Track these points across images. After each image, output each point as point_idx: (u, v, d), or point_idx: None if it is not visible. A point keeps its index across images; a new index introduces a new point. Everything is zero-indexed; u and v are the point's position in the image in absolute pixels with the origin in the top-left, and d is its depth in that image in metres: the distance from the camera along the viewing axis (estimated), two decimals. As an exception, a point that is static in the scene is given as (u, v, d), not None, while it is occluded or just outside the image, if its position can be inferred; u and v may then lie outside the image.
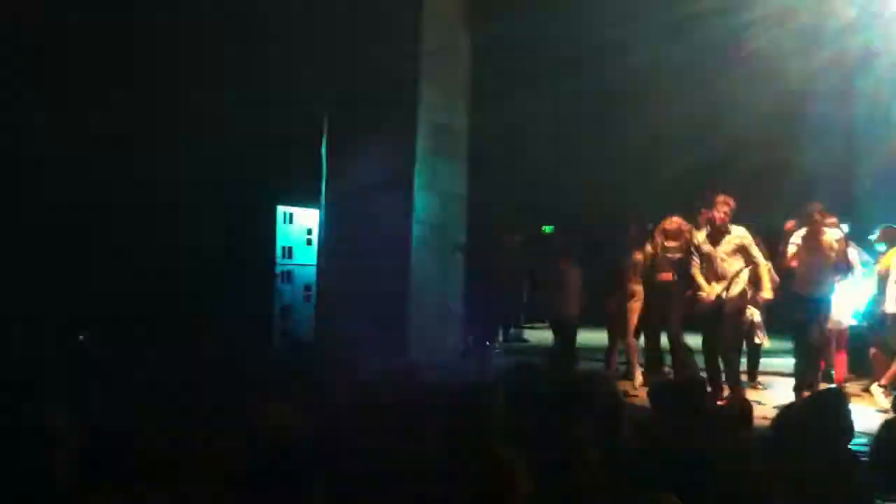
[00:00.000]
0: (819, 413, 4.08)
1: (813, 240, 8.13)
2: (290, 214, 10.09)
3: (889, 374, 8.25)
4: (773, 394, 8.59)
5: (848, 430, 4.02)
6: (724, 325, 8.03)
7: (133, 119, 9.30)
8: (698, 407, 4.51)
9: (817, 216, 8.12)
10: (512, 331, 13.00)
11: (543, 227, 10.26)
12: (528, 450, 3.27)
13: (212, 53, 9.63)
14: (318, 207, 10.21)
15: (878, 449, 3.96)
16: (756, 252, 8.08)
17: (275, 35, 9.87)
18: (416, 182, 10.24)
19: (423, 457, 3.62)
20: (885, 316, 8.45)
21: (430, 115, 10.46)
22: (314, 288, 10.20)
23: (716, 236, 8.09)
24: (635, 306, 8.91)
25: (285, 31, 9.88)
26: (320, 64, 10.28)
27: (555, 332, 9.11)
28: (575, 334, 9.05)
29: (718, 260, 8.06)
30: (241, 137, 9.71)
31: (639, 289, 8.91)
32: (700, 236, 8.22)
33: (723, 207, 8.02)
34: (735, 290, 8.06)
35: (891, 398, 7.40)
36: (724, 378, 7.98)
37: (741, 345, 8.64)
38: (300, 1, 9.93)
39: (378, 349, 9.53)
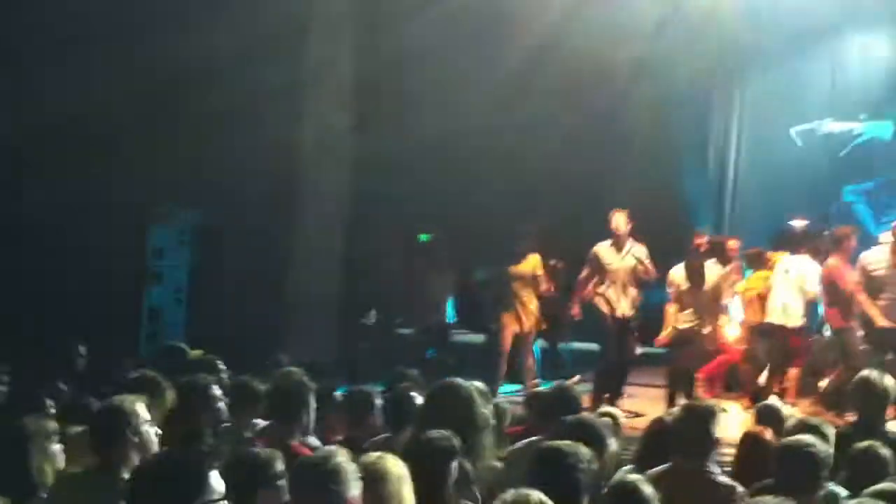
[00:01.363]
0: (686, 426, 4.21)
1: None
2: (165, 214, 9.81)
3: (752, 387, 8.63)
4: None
5: (714, 441, 4.16)
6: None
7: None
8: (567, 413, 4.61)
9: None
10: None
11: (420, 235, 10.26)
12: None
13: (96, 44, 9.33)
14: (194, 208, 9.99)
15: None
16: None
17: (162, 28, 9.63)
18: (299, 186, 10.16)
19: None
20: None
21: (312, 119, 10.38)
22: (186, 290, 9.96)
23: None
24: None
25: (172, 26, 9.65)
26: (201, 60, 10.07)
27: (427, 340, 9.21)
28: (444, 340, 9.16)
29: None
30: (115, 134, 9.41)
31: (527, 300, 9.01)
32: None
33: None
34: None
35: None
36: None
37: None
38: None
39: (253, 353, 9.42)
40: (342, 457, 3.06)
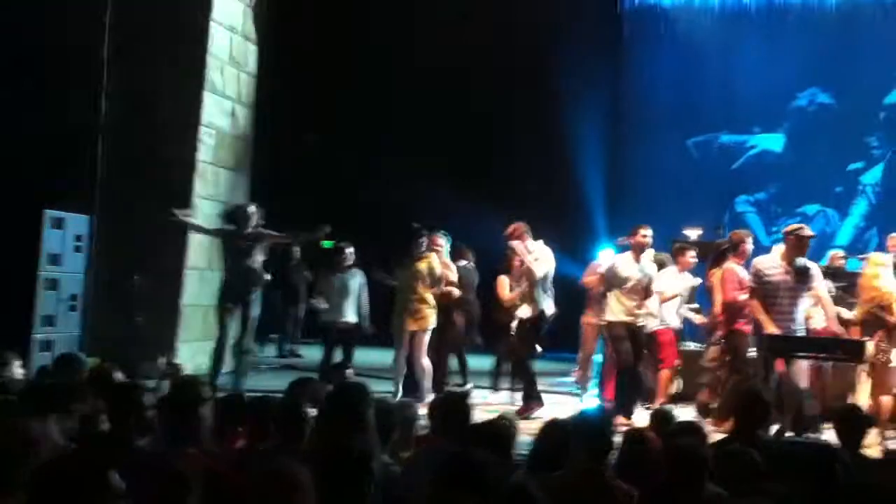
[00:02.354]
0: (581, 428, 4.30)
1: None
2: (59, 219, 9.54)
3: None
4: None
5: (608, 444, 4.26)
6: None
7: None
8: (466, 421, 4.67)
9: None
10: (288, 346, 12.88)
11: (323, 242, 10.20)
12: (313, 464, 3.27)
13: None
14: (91, 214, 9.76)
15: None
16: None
17: (51, 31, 9.40)
18: (197, 191, 10.02)
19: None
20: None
21: (212, 122, 10.26)
22: (82, 297, 9.70)
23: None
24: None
25: (61, 28, 9.43)
26: (97, 64, 9.88)
27: (330, 345, 9.20)
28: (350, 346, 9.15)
29: None
30: (6, 138, 9.14)
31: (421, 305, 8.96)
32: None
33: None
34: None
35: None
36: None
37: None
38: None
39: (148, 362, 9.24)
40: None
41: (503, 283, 8.95)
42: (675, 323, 9.12)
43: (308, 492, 2.99)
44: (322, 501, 3.08)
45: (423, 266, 8.85)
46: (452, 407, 4.83)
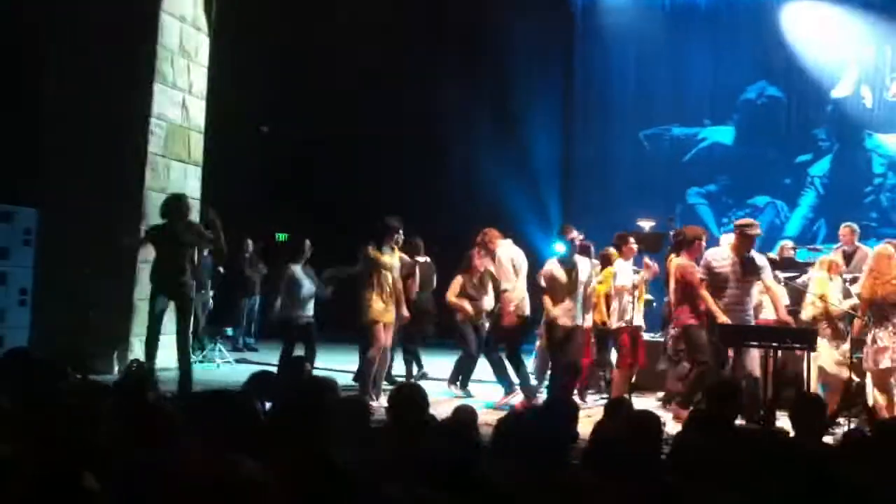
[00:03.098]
0: (544, 420, 4.32)
1: None
2: (7, 213, 9.38)
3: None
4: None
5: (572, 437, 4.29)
6: None
7: None
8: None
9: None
10: (242, 340, 12.81)
11: (277, 235, 10.14)
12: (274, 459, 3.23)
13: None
14: (38, 207, 9.60)
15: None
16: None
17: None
18: (147, 184, 9.90)
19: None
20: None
21: (163, 114, 10.14)
22: (31, 292, 9.54)
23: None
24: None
25: (9, 18, 9.26)
26: (46, 54, 9.72)
27: (291, 341, 9.10)
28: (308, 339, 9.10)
29: None
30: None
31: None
32: None
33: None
34: None
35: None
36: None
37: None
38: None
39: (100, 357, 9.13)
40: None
41: (456, 282, 9.19)
42: (638, 319, 9.12)
43: (268, 491, 2.95)
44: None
45: (396, 260, 8.86)
46: (410, 398, 4.83)
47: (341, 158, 13.33)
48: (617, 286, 8.91)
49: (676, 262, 8.56)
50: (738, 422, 6.55)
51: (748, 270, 7.99)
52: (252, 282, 12.55)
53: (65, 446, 3.72)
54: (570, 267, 8.52)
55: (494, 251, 9.09)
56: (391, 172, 12.78)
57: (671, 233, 9.68)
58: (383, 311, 8.56)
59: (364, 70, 13.43)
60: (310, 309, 9.05)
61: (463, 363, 9.46)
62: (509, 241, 9.20)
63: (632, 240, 9.24)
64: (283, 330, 9.20)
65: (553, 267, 8.60)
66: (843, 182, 14.23)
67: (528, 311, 9.01)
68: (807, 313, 8.23)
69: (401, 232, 8.74)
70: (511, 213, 11.77)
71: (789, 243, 10.64)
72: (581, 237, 9.08)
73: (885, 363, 7.42)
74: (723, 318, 7.79)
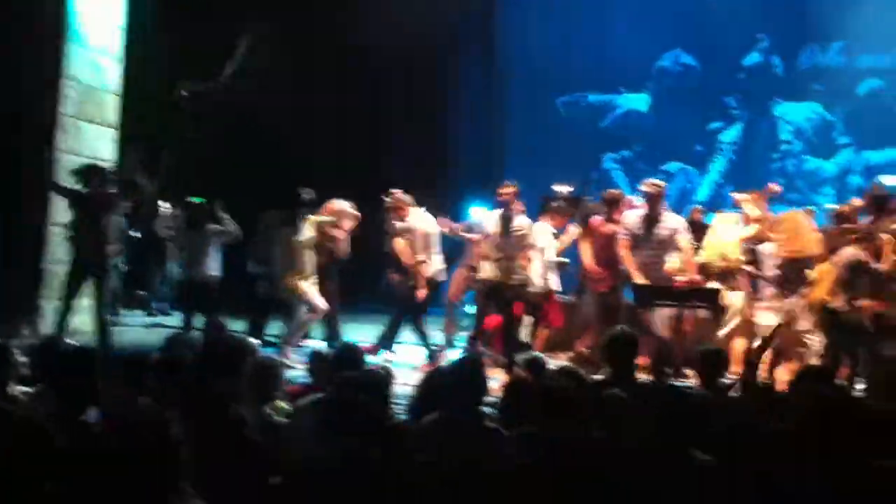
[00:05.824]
0: (458, 377, 4.44)
1: None
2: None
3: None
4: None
5: (483, 391, 4.42)
6: None
7: None
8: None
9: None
10: (155, 304, 12.65)
11: (192, 198, 10.07)
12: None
13: None
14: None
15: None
16: None
17: None
18: (59, 146, 9.69)
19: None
20: None
21: (77, 75, 9.92)
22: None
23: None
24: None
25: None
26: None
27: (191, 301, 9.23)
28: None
29: None
30: None
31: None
32: None
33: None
34: None
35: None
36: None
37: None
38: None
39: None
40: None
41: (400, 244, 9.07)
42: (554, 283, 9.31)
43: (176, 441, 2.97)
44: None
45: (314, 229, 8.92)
46: (341, 358, 4.93)
47: (263, 123, 13.17)
48: (540, 247, 9.04)
49: (596, 225, 8.83)
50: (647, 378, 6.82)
51: (661, 232, 8.27)
52: (165, 246, 12.38)
53: None
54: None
55: (405, 218, 9.04)
56: (312, 141, 12.69)
57: (588, 197, 9.92)
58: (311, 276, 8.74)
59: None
60: (212, 269, 9.19)
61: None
62: (422, 210, 9.22)
63: (562, 208, 9.38)
64: (186, 291, 9.33)
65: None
66: (752, 149, 14.67)
67: (441, 279, 9.13)
68: (702, 257, 8.50)
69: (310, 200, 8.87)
70: (431, 178, 11.80)
71: (699, 208, 10.94)
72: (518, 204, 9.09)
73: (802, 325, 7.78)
74: (639, 279, 8.07)
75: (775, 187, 9.44)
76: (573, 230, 9.30)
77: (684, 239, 8.46)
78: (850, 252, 7.65)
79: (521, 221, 8.70)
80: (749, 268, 8.51)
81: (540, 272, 8.97)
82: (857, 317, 7.55)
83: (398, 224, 9.01)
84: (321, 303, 8.84)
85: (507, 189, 8.70)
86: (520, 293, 8.73)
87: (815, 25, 14.25)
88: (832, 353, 7.76)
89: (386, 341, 9.29)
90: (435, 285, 9.18)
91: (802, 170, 14.55)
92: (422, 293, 8.85)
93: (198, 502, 2.75)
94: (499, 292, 8.65)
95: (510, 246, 8.59)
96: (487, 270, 8.65)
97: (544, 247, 9.02)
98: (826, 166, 14.50)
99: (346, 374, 4.45)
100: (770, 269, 8.39)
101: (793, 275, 7.96)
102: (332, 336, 9.46)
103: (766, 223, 8.54)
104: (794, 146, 14.63)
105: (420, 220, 9.09)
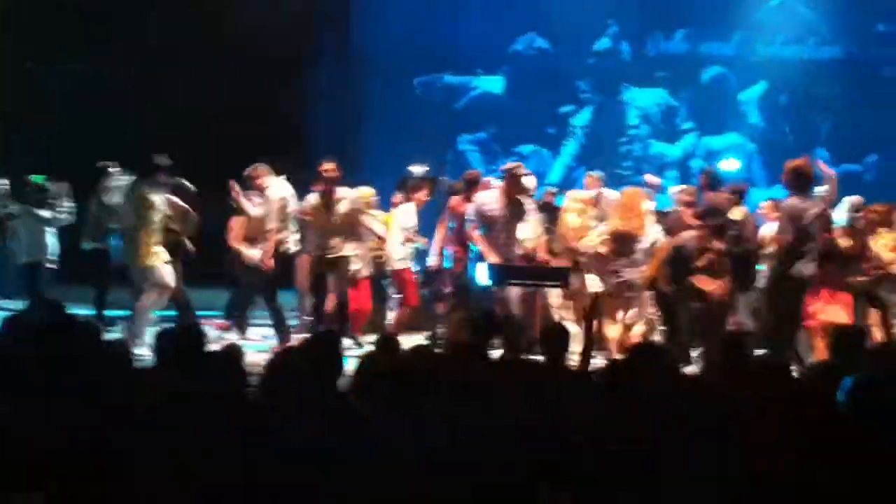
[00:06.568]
0: (311, 354, 4.42)
1: None
2: None
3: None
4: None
5: (339, 370, 4.42)
6: None
7: None
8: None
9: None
10: None
11: (33, 177, 9.67)
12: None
13: None
14: None
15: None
16: None
17: None
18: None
19: None
20: None
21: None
22: None
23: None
24: None
25: None
26: None
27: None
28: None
29: None
30: None
31: None
32: None
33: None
34: None
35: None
36: None
37: None
38: None
39: None
40: None
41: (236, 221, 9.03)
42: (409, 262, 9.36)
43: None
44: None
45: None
46: (184, 339, 4.81)
47: (115, 100, 12.69)
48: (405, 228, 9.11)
49: (451, 206, 8.97)
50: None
51: (515, 213, 8.45)
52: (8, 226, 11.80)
53: None
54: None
55: (263, 188, 8.94)
56: (168, 120, 12.27)
57: (444, 177, 10.04)
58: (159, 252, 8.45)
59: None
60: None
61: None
62: (282, 179, 9.08)
63: (423, 188, 9.44)
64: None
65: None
66: (602, 132, 15.06)
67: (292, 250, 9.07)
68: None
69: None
70: (284, 160, 11.53)
71: (552, 189, 11.21)
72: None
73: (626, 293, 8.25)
74: (493, 258, 8.21)
75: (653, 179, 9.87)
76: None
77: (535, 220, 8.66)
78: (686, 234, 8.12)
79: (344, 200, 8.79)
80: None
81: (398, 252, 9.05)
82: (684, 295, 8.04)
83: (252, 200, 8.88)
84: (171, 281, 8.57)
85: (329, 167, 8.75)
86: (345, 272, 8.86)
87: (660, 13, 14.77)
88: (669, 329, 8.23)
89: (236, 319, 9.18)
90: (287, 259, 9.07)
91: (649, 153, 15.06)
92: (269, 263, 8.71)
93: None
94: (326, 270, 8.83)
95: (335, 225, 8.74)
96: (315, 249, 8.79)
97: (404, 226, 9.10)
98: (671, 150, 15.06)
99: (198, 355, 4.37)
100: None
101: (623, 249, 8.32)
102: (183, 316, 9.23)
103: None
104: (641, 130, 15.13)
105: (279, 189, 8.94)
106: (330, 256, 8.80)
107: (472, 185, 9.07)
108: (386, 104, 14.55)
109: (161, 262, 8.44)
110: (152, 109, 12.46)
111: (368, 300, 9.52)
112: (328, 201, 8.74)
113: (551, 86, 15.03)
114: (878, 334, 8.37)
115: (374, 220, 9.33)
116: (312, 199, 8.88)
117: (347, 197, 8.84)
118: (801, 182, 7.65)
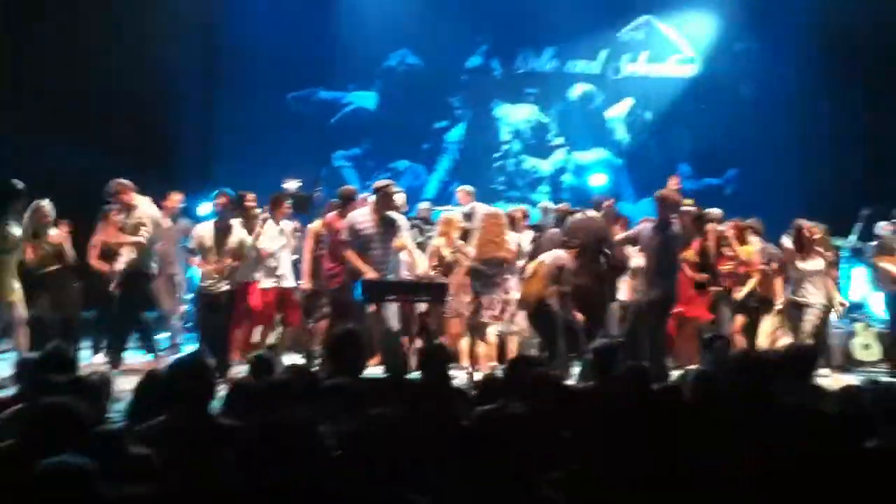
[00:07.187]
0: (186, 376, 4.33)
1: None
2: None
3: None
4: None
5: (209, 392, 4.34)
6: None
7: None
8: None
9: None
10: None
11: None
12: None
13: None
14: None
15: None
16: None
17: None
18: None
19: None
20: None
21: None
22: None
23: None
24: None
25: None
26: None
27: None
28: None
29: None
30: None
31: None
32: None
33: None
34: None
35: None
36: None
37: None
38: None
39: None
40: None
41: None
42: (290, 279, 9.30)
43: None
44: None
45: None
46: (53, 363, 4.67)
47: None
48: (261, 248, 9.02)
49: (326, 222, 8.95)
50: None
51: (388, 230, 8.43)
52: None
53: None
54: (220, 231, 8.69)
55: (130, 205, 8.83)
56: (34, 140, 11.77)
57: (318, 192, 9.97)
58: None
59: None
60: None
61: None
62: (147, 200, 9.00)
63: (287, 203, 9.38)
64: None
65: (203, 231, 8.69)
66: (475, 148, 15.29)
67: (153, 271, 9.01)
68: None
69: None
70: (158, 179, 11.22)
71: (426, 205, 11.29)
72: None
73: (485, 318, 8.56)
74: (371, 274, 8.16)
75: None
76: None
77: (408, 236, 8.68)
78: (556, 254, 8.59)
79: (236, 229, 8.78)
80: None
81: (280, 271, 9.00)
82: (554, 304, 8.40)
83: (116, 216, 8.76)
84: (24, 312, 8.28)
85: (220, 199, 8.86)
86: (234, 298, 8.83)
87: (530, 31, 15.10)
88: (546, 339, 8.43)
89: (115, 352, 8.90)
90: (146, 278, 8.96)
91: (521, 169, 15.36)
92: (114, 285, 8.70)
93: None
94: (217, 300, 8.71)
95: (226, 253, 8.68)
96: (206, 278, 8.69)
97: (283, 245, 9.04)
98: (542, 165, 15.38)
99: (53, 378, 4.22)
100: None
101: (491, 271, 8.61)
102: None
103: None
104: (512, 146, 15.41)
105: (147, 208, 8.93)
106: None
107: (346, 201, 9.03)
108: (260, 120, 14.34)
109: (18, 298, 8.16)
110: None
111: (297, 314, 9.40)
112: (221, 231, 8.74)
113: (424, 102, 15.17)
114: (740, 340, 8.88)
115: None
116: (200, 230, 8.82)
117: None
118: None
